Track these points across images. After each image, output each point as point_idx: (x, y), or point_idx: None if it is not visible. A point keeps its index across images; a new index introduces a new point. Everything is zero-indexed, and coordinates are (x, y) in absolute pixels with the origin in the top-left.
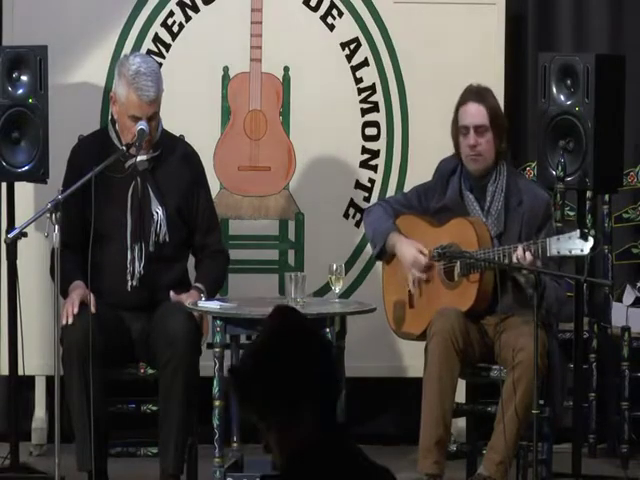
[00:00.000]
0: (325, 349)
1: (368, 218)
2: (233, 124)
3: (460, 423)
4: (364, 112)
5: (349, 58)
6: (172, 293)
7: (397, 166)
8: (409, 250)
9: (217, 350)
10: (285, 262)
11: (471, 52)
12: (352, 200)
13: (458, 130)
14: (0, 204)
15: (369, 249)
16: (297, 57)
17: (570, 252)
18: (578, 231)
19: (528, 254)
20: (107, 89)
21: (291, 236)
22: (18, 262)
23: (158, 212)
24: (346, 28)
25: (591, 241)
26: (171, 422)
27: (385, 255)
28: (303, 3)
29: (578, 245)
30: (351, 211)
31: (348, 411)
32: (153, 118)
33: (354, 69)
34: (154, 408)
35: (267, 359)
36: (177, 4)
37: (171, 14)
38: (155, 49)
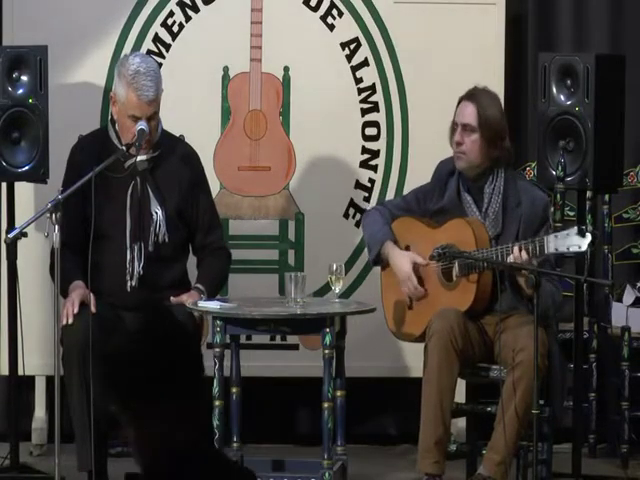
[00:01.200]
0: (193, 353)
1: (365, 222)
2: (233, 124)
3: (460, 423)
4: (364, 112)
5: (349, 58)
6: (172, 298)
7: (397, 166)
8: (402, 267)
9: (217, 350)
10: (285, 262)
11: (471, 52)
12: (352, 200)
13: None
14: (0, 204)
15: None
16: (297, 57)
17: (568, 249)
18: (576, 228)
19: (524, 253)
20: (107, 89)
21: (291, 236)
22: (18, 262)
23: (157, 212)
24: (346, 28)
25: (589, 237)
26: None
27: (381, 262)
28: (303, 3)
29: (576, 242)
30: (351, 211)
31: (348, 411)
32: (153, 118)
33: (354, 69)
34: None
35: (136, 353)
36: (177, 4)
37: (171, 14)
38: (155, 49)
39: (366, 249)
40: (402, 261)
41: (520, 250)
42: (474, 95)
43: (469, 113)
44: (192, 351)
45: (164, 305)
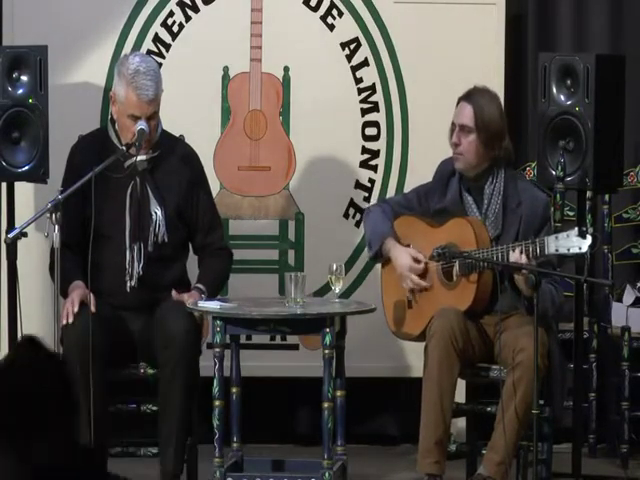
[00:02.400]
0: (63, 381)
1: (367, 219)
2: (233, 124)
3: (460, 423)
4: (364, 112)
5: (349, 58)
6: (174, 292)
7: (397, 166)
8: (403, 261)
9: (217, 350)
10: (285, 262)
11: (471, 52)
12: (352, 200)
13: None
14: (0, 204)
15: None
16: (297, 57)
17: (568, 250)
18: (576, 229)
19: (524, 257)
20: (107, 89)
21: (291, 236)
22: (18, 262)
23: (157, 212)
24: (346, 28)
25: (589, 239)
26: (171, 422)
27: (380, 258)
28: (303, 3)
29: (576, 243)
30: (351, 211)
31: (348, 411)
32: (152, 118)
33: (354, 69)
34: (154, 408)
35: (8, 387)
36: (177, 4)
37: (171, 14)
38: (155, 49)
39: (366, 246)
40: (403, 257)
41: (520, 253)
42: (472, 95)
43: (466, 114)
44: (68, 384)
45: (34, 338)
